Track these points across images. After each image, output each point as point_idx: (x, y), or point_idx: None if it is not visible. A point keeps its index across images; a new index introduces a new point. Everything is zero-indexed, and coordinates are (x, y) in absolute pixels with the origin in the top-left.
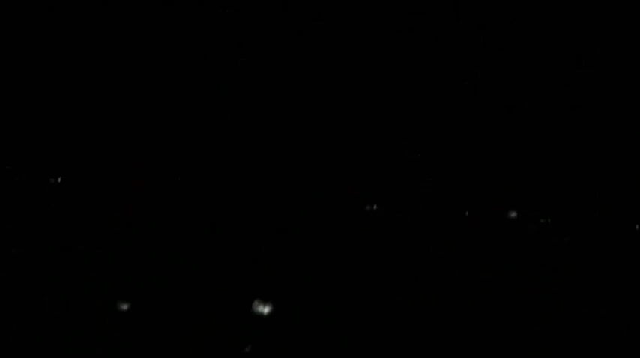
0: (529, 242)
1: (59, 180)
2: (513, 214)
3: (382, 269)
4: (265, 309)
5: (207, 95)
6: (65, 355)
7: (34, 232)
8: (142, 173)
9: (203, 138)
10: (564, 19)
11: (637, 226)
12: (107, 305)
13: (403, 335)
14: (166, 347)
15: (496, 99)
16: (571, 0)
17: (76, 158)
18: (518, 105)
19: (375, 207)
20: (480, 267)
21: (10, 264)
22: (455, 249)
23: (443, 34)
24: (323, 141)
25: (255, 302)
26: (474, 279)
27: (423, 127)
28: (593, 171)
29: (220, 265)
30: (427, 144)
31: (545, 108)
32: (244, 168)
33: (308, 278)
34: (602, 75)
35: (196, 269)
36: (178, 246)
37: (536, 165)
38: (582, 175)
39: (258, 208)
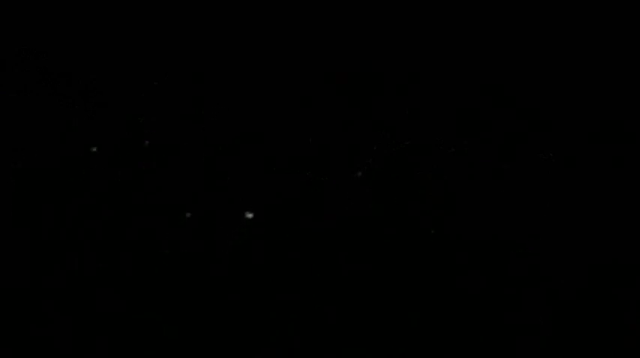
0: (528, 242)
1: (58, 180)
2: (513, 214)
3: (382, 270)
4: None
5: (206, 95)
6: (65, 355)
7: (34, 232)
8: (142, 172)
9: (202, 138)
10: (564, 19)
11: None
12: (107, 304)
13: (403, 335)
14: (166, 347)
15: (496, 99)
16: (571, 0)
17: (74, 156)
18: (519, 105)
19: (374, 207)
20: (479, 266)
21: (10, 264)
22: (454, 248)
23: (443, 34)
24: (322, 140)
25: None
26: (471, 279)
27: (422, 127)
28: (593, 170)
29: (220, 265)
30: (427, 144)
31: (546, 108)
32: (245, 167)
33: (308, 278)
34: (603, 75)
35: (196, 269)
36: (178, 245)
37: (536, 165)
38: (582, 175)
39: (259, 208)
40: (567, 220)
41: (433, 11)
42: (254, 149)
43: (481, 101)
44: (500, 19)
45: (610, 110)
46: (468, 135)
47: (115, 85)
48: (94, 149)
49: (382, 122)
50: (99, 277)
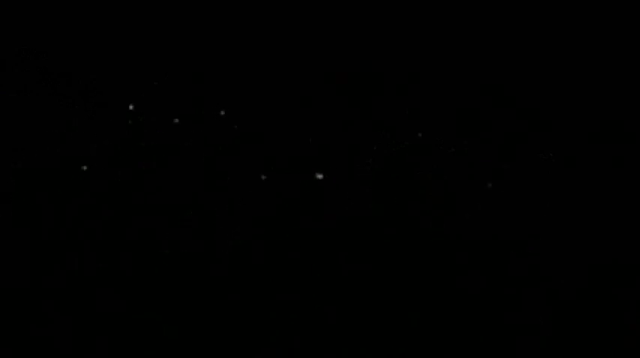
0: (528, 242)
1: (58, 180)
2: (513, 214)
3: (382, 270)
4: (320, 176)
5: (206, 95)
6: (65, 355)
7: (34, 232)
8: (142, 172)
9: (202, 138)
10: (564, 19)
11: (637, 226)
12: (107, 304)
13: (403, 335)
14: (166, 347)
15: (496, 99)
16: (571, 0)
17: (74, 156)
18: (519, 105)
19: (374, 207)
20: (479, 266)
21: (10, 264)
22: (454, 248)
23: (443, 34)
24: (322, 140)
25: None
26: (471, 279)
27: (422, 127)
28: (593, 170)
29: (220, 265)
30: (427, 144)
31: (546, 108)
32: (245, 167)
33: (308, 278)
34: (603, 75)
35: (196, 269)
36: (178, 245)
37: (536, 165)
38: (582, 175)
39: (259, 208)
40: (567, 220)
41: (433, 11)
42: (254, 149)
43: (481, 101)
44: (500, 19)
45: (610, 110)
46: (468, 135)
47: (115, 85)
48: (94, 150)
49: (382, 122)
50: (99, 277)
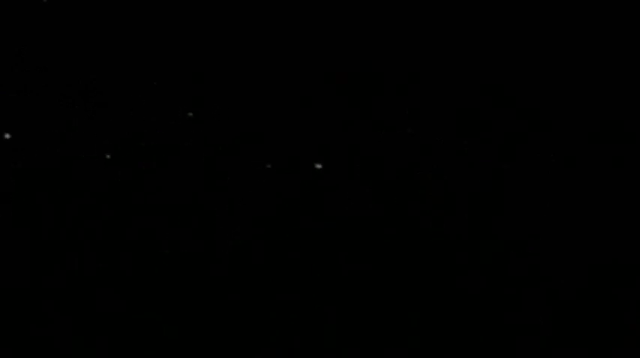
0: (528, 242)
1: (58, 180)
2: (513, 214)
3: (382, 270)
4: (318, 165)
5: (206, 95)
6: (65, 355)
7: (34, 232)
8: (142, 172)
9: (202, 138)
10: (564, 19)
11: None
12: (107, 304)
13: (403, 335)
14: (166, 347)
15: (496, 99)
16: (571, 0)
17: (74, 156)
18: (519, 105)
19: (374, 207)
20: (479, 266)
21: (10, 264)
22: (454, 248)
23: (443, 34)
24: (322, 140)
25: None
26: (471, 279)
27: (423, 127)
28: (593, 170)
29: (220, 265)
30: (427, 144)
31: (546, 108)
32: (245, 167)
33: (308, 278)
34: (603, 75)
35: (196, 269)
36: (178, 245)
37: (536, 165)
38: (582, 175)
39: (259, 208)
40: (567, 220)
41: (433, 11)
42: (254, 149)
43: (481, 101)
44: (500, 19)
45: (610, 110)
46: (468, 135)
47: (115, 85)
48: (95, 150)
49: (382, 122)
50: (99, 277)
